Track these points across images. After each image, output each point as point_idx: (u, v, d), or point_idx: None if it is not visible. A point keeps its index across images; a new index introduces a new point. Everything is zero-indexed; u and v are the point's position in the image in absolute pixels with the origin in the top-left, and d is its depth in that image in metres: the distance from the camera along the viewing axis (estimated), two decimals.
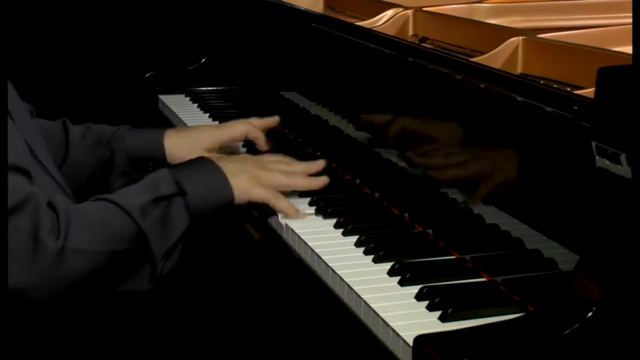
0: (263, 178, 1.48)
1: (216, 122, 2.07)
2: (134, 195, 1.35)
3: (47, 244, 1.23)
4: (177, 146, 1.70)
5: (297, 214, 1.49)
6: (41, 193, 1.28)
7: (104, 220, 1.30)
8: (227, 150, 1.77)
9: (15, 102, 1.45)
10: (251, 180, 1.46)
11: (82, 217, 1.29)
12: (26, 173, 1.32)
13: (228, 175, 1.43)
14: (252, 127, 1.75)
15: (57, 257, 1.24)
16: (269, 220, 1.54)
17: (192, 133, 1.75)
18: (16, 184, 1.26)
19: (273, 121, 1.81)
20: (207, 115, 2.15)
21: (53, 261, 1.24)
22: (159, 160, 1.68)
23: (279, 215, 1.49)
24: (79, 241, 1.26)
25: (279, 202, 1.48)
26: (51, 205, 1.28)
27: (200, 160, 1.48)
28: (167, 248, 1.33)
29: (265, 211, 1.52)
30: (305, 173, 1.57)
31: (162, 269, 1.34)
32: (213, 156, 1.55)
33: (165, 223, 1.34)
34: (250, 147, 1.82)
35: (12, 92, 1.45)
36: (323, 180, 1.56)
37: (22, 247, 1.23)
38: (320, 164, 1.59)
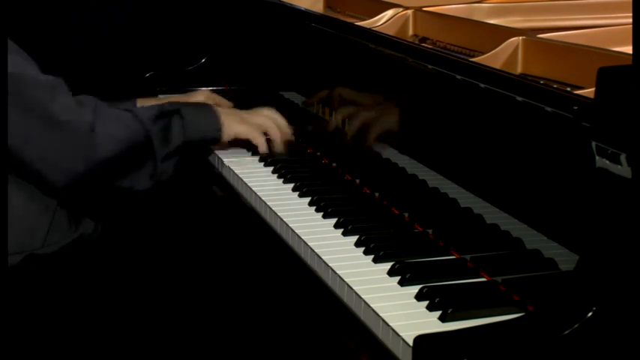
0: (248, 119, 1.81)
1: None
2: (144, 110, 1.69)
3: (85, 117, 1.56)
4: None
5: (267, 149, 1.80)
6: (62, 82, 1.59)
7: (123, 120, 1.63)
8: None
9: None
10: (238, 120, 1.79)
11: (111, 109, 1.64)
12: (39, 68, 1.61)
13: (219, 115, 1.76)
14: (208, 99, 2.04)
15: (89, 131, 1.56)
16: (269, 220, 1.54)
17: (157, 101, 1.97)
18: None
19: (223, 102, 2.10)
20: None
21: (86, 133, 1.56)
22: None
23: (282, 216, 1.50)
24: (106, 125, 1.59)
25: (258, 139, 1.80)
26: (87, 98, 1.62)
27: (199, 102, 1.87)
28: (166, 153, 1.66)
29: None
30: (284, 128, 1.84)
31: (161, 173, 1.66)
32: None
33: (167, 133, 1.67)
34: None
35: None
36: (282, 149, 1.83)
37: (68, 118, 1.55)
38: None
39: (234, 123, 1.78)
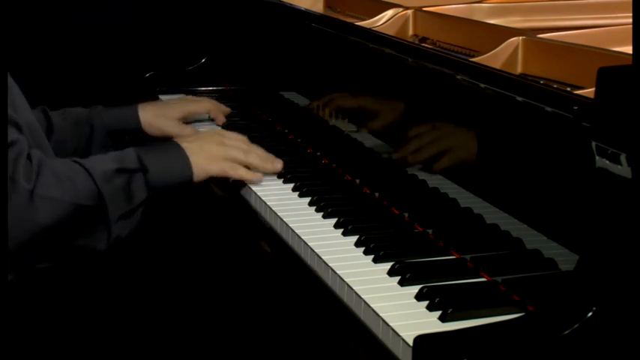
0: (220, 154, 1.62)
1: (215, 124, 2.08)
2: (101, 162, 1.49)
3: (21, 185, 1.37)
4: (151, 116, 1.90)
5: (255, 177, 1.64)
6: (26, 143, 1.42)
7: (70, 176, 1.43)
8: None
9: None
10: (208, 157, 1.61)
11: (53, 169, 1.42)
12: (18, 126, 1.44)
13: (189, 155, 1.57)
14: (215, 107, 2.03)
15: (28, 199, 1.37)
16: (270, 220, 1.54)
17: (163, 104, 1.97)
18: (11, 134, 1.39)
19: (227, 110, 2.08)
20: (208, 115, 2.15)
21: (25, 202, 1.37)
22: (135, 130, 1.88)
23: (282, 216, 1.49)
24: (47, 188, 1.39)
25: (236, 172, 1.63)
26: (29, 156, 1.41)
27: (165, 143, 1.65)
28: (121, 214, 1.47)
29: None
30: (262, 155, 1.68)
31: (119, 232, 1.46)
32: (182, 137, 1.70)
33: (125, 192, 1.48)
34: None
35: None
36: (278, 164, 1.69)
37: None
38: (278, 166, 1.69)
39: (204, 162, 1.60)
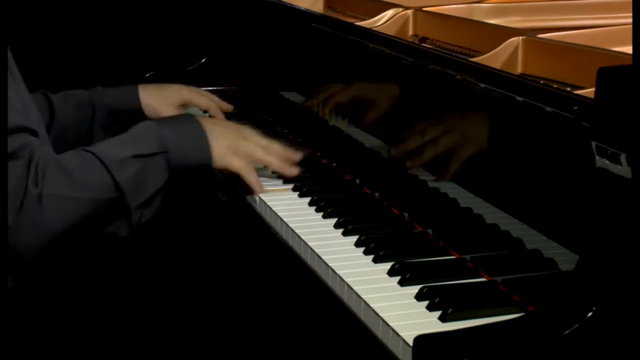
0: (241, 147, 1.55)
1: None
2: (115, 149, 1.41)
3: (29, 191, 1.30)
4: (151, 98, 1.88)
5: (262, 190, 1.58)
6: (37, 146, 1.35)
7: (82, 169, 1.36)
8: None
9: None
10: (230, 147, 1.54)
11: (60, 165, 1.35)
12: (34, 133, 1.39)
13: (210, 138, 1.51)
14: (213, 105, 1.98)
15: (37, 202, 1.30)
16: (269, 220, 1.54)
17: (164, 88, 1.94)
18: (23, 139, 1.34)
19: (227, 107, 2.02)
20: (208, 115, 2.15)
21: (34, 207, 1.30)
22: (135, 111, 1.85)
23: (282, 216, 1.49)
24: (55, 186, 1.32)
25: (249, 177, 1.56)
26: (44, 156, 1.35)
27: (186, 119, 1.57)
28: (141, 201, 1.40)
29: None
30: (281, 155, 1.62)
31: (141, 218, 1.41)
32: (201, 117, 1.62)
33: (143, 177, 1.40)
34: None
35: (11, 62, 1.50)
36: (295, 171, 1.63)
37: (12, 193, 1.30)
38: (298, 155, 1.65)
39: (225, 152, 1.54)
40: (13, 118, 1.34)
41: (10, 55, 1.47)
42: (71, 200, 1.33)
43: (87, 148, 1.41)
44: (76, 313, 1.54)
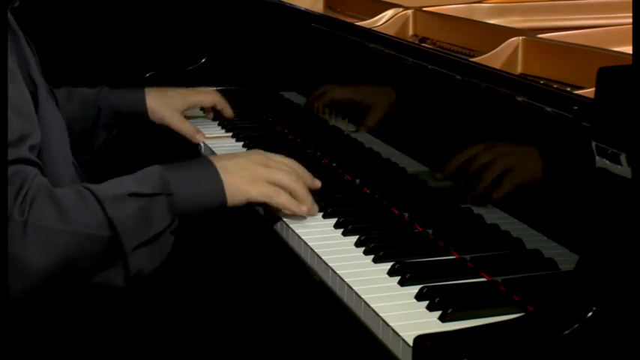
0: (265, 175, 1.45)
1: (217, 123, 2.09)
2: (113, 186, 1.32)
3: (13, 219, 1.21)
4: (156, 103, 1.91)
5: (300, 208, 1.46)
6: (33, 177, 1.27)
7: (74, 203, 1.27)
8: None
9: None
10: (250, 178, 1.43)
11: (52, 196, 1.26)
12: (30, 162, 1.31)
13: (223, 175, 1.40)
14: (220, 99, 2.02)
15: (21, 233, 1.21)
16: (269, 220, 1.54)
17: (170, 94, 1.96)
18: (17, 167, 1.26)
19: (230, 113, 2.05)
20: (215, 111, 2.15)
21: (18, 238, 1.20)
22: (140, 115, 1.89)
23: (281, 216, 1.49)
24: (43, 217, 1.23)
25: (280, 198, 1.44)
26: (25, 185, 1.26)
27: (197, 161, 1.47)
28: (138, 242, 1.29)
29: (271, 214, 1.51)
30: (305, 182, 1.51)
31: (140, 266, 1.31)
32: (215, 156, 1.53)
33: (142, 218, 1.30)
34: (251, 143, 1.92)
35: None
36: (314, 206, 1.50)
37: None
38: (317, 184, 1.54)
39: (245, 184, 1.42)
40: (16, 128, 1.29)
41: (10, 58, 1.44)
42: (59, 234, 1.23)
43: (84, 184, 1.33)
44: (85, 315, 1.53)
